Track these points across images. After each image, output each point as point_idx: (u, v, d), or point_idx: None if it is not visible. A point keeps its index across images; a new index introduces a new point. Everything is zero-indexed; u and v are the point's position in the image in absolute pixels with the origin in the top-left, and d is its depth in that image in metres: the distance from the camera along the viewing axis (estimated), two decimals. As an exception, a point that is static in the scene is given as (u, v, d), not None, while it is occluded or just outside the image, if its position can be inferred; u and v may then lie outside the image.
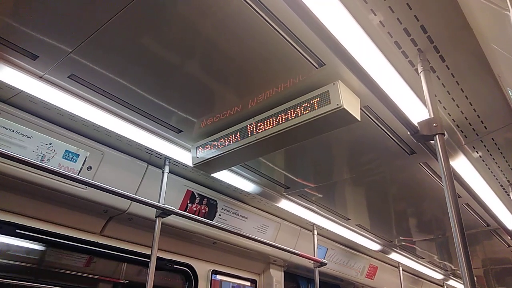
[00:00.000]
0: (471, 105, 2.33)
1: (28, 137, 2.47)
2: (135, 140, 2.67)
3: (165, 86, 2.23)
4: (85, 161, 2.73)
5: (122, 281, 3.49)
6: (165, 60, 2.03)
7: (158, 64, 2.05)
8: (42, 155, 2.53)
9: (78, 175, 2.64)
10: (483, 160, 2.94)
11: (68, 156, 2.65)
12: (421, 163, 3.02)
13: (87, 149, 2.73)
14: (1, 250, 2.76)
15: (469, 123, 2.50)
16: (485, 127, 2.53)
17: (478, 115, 2.42)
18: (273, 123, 2.32)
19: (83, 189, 2.74)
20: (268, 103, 2.35)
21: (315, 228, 4.41)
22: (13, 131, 2.41)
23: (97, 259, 3.31)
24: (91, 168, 2.77)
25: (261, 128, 2.38)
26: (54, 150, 2.58)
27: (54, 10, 1.73)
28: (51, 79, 2.17)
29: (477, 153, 2.85)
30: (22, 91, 2.19)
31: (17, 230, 2.73)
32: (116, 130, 2.56)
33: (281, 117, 2.29)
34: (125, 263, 3.52)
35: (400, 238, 4.96)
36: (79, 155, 2.70)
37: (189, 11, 1.73)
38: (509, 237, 3.63)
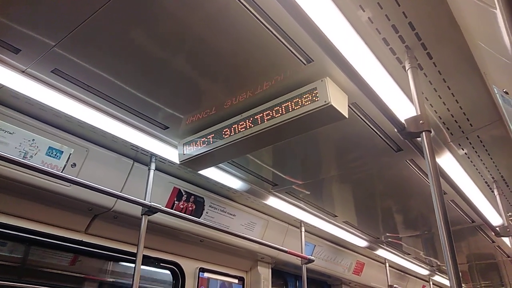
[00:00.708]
0: (457, 102, 2.34)
1: (10, 133, 2.41)
2: (121, 136, 2.63)
3: (151, 81, 2.20)
4: (69, 158, 2.68)
5: (108, 279, 3.46)
6: (151, 55, 1.99)
7: (144, 59, 2.02)
8: (24, 151, 2.48)
9: (62, 172, 2.60)
10: (468, 157, 2.97)
11: (52, 153, 2.60)
12: (407, 160, 3.04)
13: (71, 145, 2.68)
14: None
15: (455, 121, 2.52)
16: (470, 124, 2.56)
17: (464, 113, 2.44)
18: (260, 120, 2.30)
19: (67, 186, 2.69)
20: (255, 100, 2.33)
21: (302, 225, 4.41)
22: (-6, 127, 2.35)
23: (83, 258, 3.27)
24: (75, 165, 2.72)
25: (248, 125, 2.36)
26: (37, 147, 2.53)
27: (38, 2, 1.68)
28: (34, 74, 2.12)
29: (463, 150, 2.87)
30: (3, 85, 2.13)
31: (-2, 229, 2.67)
32: (101, 126, 2.52)
33: (269, 114, 2.27)
34: (111, 262, 3.48)
35: (387, 234, 5.00)
36: (63, 151, 2.65)
37: (176, 5, 1.70)
38: (493, 233, 3.67)
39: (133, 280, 2.67)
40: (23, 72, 2.10)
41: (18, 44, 1.92)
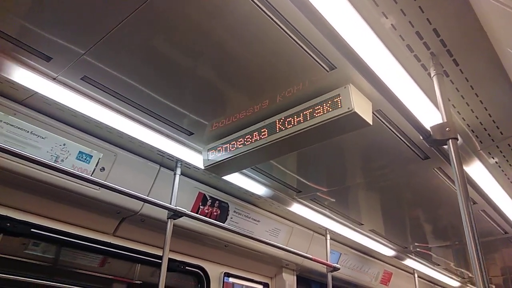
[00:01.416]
0: (486, 110, 2.28)
1: (42, 138, 2.51)
2: (147, 142, 2.69)
3: (177, 88, 2.25)
4: (98, 162, 2.77)
5: (135, 281, 3.52)
6: (176, 63, 2.04)
7: (170, 66, 2.07)
8: (56, 155, 2.58)
9: (91, 176, 2.68)
10: (499, 166, 2.88)
11: (82, 157, 2.69)
12: (435, 169, 2.96)
13: (100, 150, 2.77)
14: (17, 248, 2.81)
15: (484, 128, 2.45)
16: (501, 132, 2.48)
17: (493, 120, 2.37)
18: (283, 126, 2.31)
19: (96, 190, 2.77)
20: (279, 106, 2.34)
21: (327, 232, 4.37)
22: (28, 132, 2.46)
23: (111, 260, 3.35)
24: (104, 169, 2.80)
25: (272, 131, 2.37)
26: (68, 151, 2.62)
27: (68, 12, 1.76)
28: (65, 81, 2.20)
29: (493, 159, 2.78)
30: (36, 92, 2.23)
31: (31, 230, 2.78)
32: (128, 132, 2.59)
33: (292, 120, 2.28)
34: (139, 264, 3.55)
35: (415, 244, 4.88)
36: (92, 156, 2.74)
37: (201, 14, 1.74)
38: (527, 245, 3.54)
39: (159, 282, 2.72)
40: (54, 79, 2.19)
41: (49, 52, 2.01)
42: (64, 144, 2.60)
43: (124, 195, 2.62)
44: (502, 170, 2.92)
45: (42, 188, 2.63)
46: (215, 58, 2.00)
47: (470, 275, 6.27)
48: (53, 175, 2.54)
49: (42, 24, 1.84)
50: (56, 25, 1.83)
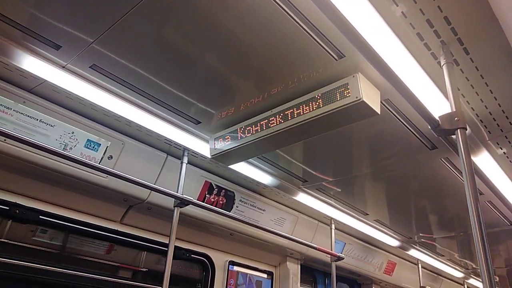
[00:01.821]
0: (496, 100, 2.26)
1: (51, 126, 2.53)
2: (155, 130, 2.70)
3: (185, 77, 2.25)
4: (106, 150, 2.78)
5: (141, 269, 3.56)
6: (184, 52, 2.04)
7: (178, 55, 2.07)
8: (64, 143, 2.59)
9: (99, 164, 2.69)
10: (507, 157, 2.86)
11: (90, 145, 2.71)
12: (442, 159, 2.96)
13: (108, 138, 2.78)
14: (25, 235, 2.85)
15: (493, 119, 2.44)
16: (510, 122, 2.46)
17: (503, 110, 2.35)
18: (291, 115, 2.31)
19: (104, 177, 2.79)
20: (286, 95, 2.34)
21: (332, 222, 4.38)
22: (37, 120, 2.47)
23: (118, 247, 3.38)
24: (112, 157, 2.82)
25: (279, 120, 2.37)
26: (77, 139, 2.64)
27: (77, 0, 1.75)
28: (74, 69, 2.21)
29: (501, 149, 2.77)
30: (45, 80, 2.24)
31: (40, 216, 2.81)
32: (136, 120, 2.59)
33: (300, 110, 2.27)
34: (145, 252, 3.58)
35: (420, 234, 4.89)
36: (100, 144, 2.75)
37: (209, 3, 1.73)
38: (533, 237, 3.54)
39: (164, 270, 2.75)
40: (63, 67, 2.19)
41: (58, 41, 2.01)
42: (72, 132, 2.61)
43: (132, 183, 2.63)
44: (510, 161, 2.91)
45: (51, 176, 2.66)
46: (223, 46, 1.99)
47: (474, 266, 6.28)
48: (62, 162, 2.57)
49: (51, 12, 1.83)
50: (65, 13, 1.83)
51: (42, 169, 2.58)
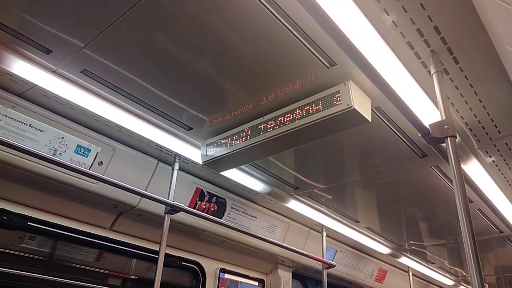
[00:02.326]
0: (485, 108, 2.29)
1: (41, 131, 2.50)
2: (146, 136, 2.69)
3: (176, 83, 2.25)
4: (96, 156, 2.76)
5: (131, 276, 3.52)
6: (176, 57, 2.04)
7: (170, 61, 2.07)
8: (54, 149, 2.57)
9: (89, 169, 2.67)
10: (496, 165, 2.89)
11: (80, 151, 2.69)
12: (432, 167, 2.98)
13: (99, 144, 2.76)
14: (13, 241, 2.81)
15: (482, 127, 2.46)
16: (498, 131, 2.49)
17: (491, 119, 2.38)
18: (283, 122, 2.31)
19: (94, 183, 2.77)
20: (278, 102, 2.34)
21: (324, 229, 4.38)
22: (26, 124, 2.45)
23: (107, 254, 3.34)
24: (102, 163, 2.80)
25: (271, 127, 2.37)
26: (66, 145, 2.62)
27: (68, 4, 1.75)
28: (64, 74, 2.19)
29: (490, 157, 2.80)
30: (35, 85, 2.22)
31: (28, 223, 2.77)
32: (127, 126, 2.58)
33: (291, 117, 2.28)
34: (135, 259, 3.55)
35: (410, 242, 4.91)
36: (90, 150, 2.73)
37: (201, 9, 1.74)
38: (522, 244, 3.56)
39: (155, 277, 2.72)
40: (54, 72, 2.18)
41: (49, 45, 2.00)
42: (62, 138, 2.59)
43: (122, 189, 2.61)
44: (499, 169, 2.94)
45: (40, 181, 2.63)
46: (215, 53, 2.00)
47: (464, 273, 6.31)
48: (51, 168, 2.54)
49: (42, 16, 1.83)
50: (56, 17, 1.83)
51: (31, 175, 2.55)
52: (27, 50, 2.03)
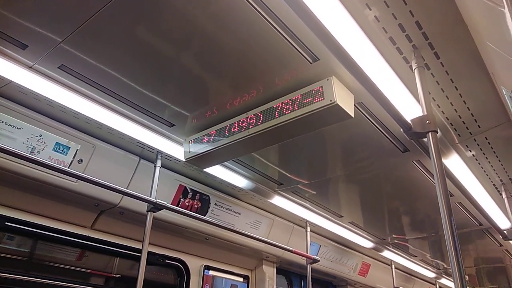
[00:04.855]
0: (465, 103, 2.32)
1: (18, 128, 2.44)
2: (127, 133, 2.64)
3: (158, 79, 2.21)
4: (76, 153, 2.70)
5: (114, 275, 3.48)
6: (158, 52, 2.00)
7: (151, 56, 2.03)
8: (32, 147, 2.50)
9: (68, 168, 2.62)
10: (476, 159, 2.94)
11: (59, 149, 2.62)
12: (414, 161, 3.01)
13: (78, 141, 2.70)
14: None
15: (463, 122, 2.50)
16: (478, 125, 2.53)
17: (472, 114, 2.42)
18: (266, 118, 2.30)
19: (74, 182, 2.71)
20: (261, 98, 2.33)
21: (308, 225, 4.40)
22: (2, 122, 2.38)
23: (89, 253, 3.29)
24: (82, 161, 2.74)
25: (254, 123, 2.36)
26: (45, 142, 2.55)
27: (44, -2, 1.69)
28: (41, 70, 2.13)
29: (470, 151, 2.84)
30: (11, 81, 2.15)
31: (6, 223, 2.70)
32: (107, 123, 2.53)
33: (274, 112, 2.27)
34: (117, 258, 3.50)
35: (393, 236, 4.97)
36: (69, 147, 2.67)
37: (183, 3, 1.71)
38: (500, 236, 3.64)
39: (138, 275, 2.68)
40: (30, 68, 2.12)
41: (25, 40, 1.93)
42: (40, 135, 2.53)
43: (103, 187, 2.57)
44: (479, 163, 2.99)
45: (18, 180, 2.56)
46: (197, 48, 1.97)
47: (446, 266, 6.43)
48: (29, 167, 2.48)
49: (18, 10, 1.77)
50: (32, 12, 1.77)
51: (9, 174, 2.48)
52: (2, 45, 1.96)
